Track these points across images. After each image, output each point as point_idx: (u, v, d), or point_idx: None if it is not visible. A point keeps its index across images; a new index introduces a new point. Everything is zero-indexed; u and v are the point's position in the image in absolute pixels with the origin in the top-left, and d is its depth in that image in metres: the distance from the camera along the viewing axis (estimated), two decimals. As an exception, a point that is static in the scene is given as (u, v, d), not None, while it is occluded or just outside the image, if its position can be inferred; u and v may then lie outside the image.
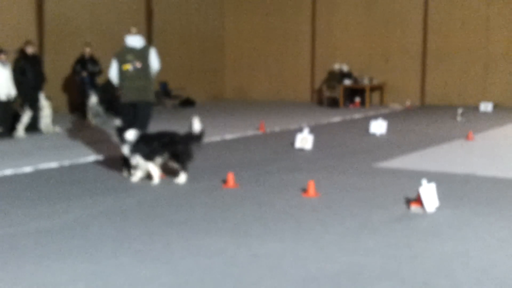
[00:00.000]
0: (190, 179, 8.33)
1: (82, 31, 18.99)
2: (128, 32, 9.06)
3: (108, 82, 17.84)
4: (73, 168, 9.31)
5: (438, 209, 6.52)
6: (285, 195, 7.34)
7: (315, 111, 19.54)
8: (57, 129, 13.91)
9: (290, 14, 23.90)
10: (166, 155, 8.10)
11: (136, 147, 8.07)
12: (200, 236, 5.60)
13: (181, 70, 22.66)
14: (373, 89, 22.12)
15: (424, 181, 6.45)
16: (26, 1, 17.11)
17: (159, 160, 8.13)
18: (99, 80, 17.07)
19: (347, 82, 21.31)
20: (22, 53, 13.66)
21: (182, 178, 8.10)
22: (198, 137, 8.20)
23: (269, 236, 5.61)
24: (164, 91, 21.51)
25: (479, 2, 20.73)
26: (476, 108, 19.63)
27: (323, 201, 7.04)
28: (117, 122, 8.38)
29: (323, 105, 21.79)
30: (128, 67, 8.71)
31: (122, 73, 8.76)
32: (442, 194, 6.87)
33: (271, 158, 10.20)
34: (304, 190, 7.43)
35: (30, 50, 13.66)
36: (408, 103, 21.27)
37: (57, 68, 17.61)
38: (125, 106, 8.81)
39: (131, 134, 8.14)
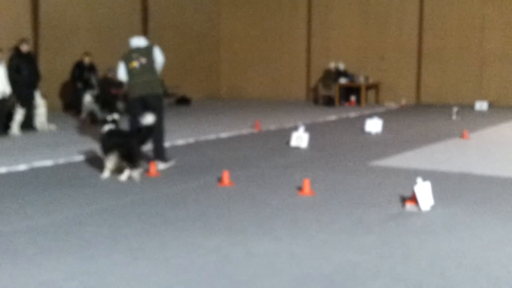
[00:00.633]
0: (185, 178, 8.34)
1: (77, 30, 18.97)
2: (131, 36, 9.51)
3: (103, 80, 17.94)
4: (68, 166, 9.29)
5: (433, 207, 6.53)
6: (281, 193, 7.34)
7: (311, 110, 19.56)
8: (52, 127, 13.88)
9: (286, 13, 23.90)
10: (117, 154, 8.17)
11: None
12: (195, 235, 5.59)
13: (176, 69, 22.62)
14: (368, 87, 22.14)
15: (419, 180, 6.45)
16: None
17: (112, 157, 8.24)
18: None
19: (343, 80, 21.33)
20: (16, 51, 13.62)
21: (124, 176, 8.12)
22: (143, 135, 8.28)
23: (264, 235, 5.61)
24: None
25: (474, 2, 20.77)
26: (471, 107, 19.67)
27: (318, 199, 7.05)
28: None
29: (318, 104, 21.81)
30: (134, 64, 9.06)
31: (129, 72, 9.10)
32: (437, 193, 6.88)
33: (267, 157, 10.20)
34: (300, 189, 7.43)
35: (24, 48, 13.62)
36: (403, 101, 21.30)
37: (52, 66, 17.58)
38: (133, 101, 9.10)
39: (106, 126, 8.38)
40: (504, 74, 20.54)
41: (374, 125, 13.42)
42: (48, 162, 9.46)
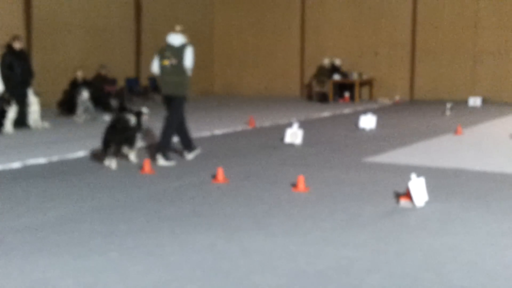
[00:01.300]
0: (179, 175, 8.33)
1: (70, 27, 18.92)
2: (173, 29, 9.74)
3: (98, 78, 17.90)
4: (62, 163, 9.27)
5: (427, 203, 6.54)
6: (275, 190, 7.34)
7: (305, 106, 19.57)
8: (46, 124, 13.84)
9: (279, 9, 23.90)
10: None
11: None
12: (190, 231, 5.59)
13: (170, 65, 22.58)
14: (362, 84, 22.17)
15: (413, 176, 6.46)
16: (14, -4, 17.01)
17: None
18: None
19: (337, 77, 21.34)
20: (9, 48, 13.56)
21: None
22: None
23: (259, 231, 5.61)
24: (153, 86, 21.45)
25: (467, -3, 20.81)
26: (465, 102, 19.71)
27: (312, 195, 7.05)
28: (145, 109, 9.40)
29: (312, 100, 21.82)
30: (166, 63, 9.39)
31: (161, 68, 9.47)
32: (431, 188, 6.90)
33: (261, 153, 10.20)
34: (294, 185, 7.43)
35: (17, 45, 13.56)
36: (397, 98, 21.34)
37: (45, 63, 17.52)
38: (163, 97, 9.58)
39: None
40: (497, 70, 20.60)
41: (368, 121, 13.44)
42: (41, 160, 9.43)
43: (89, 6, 19.54)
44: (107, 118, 15.35)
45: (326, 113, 17.02)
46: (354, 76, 21.44)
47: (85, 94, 15.25)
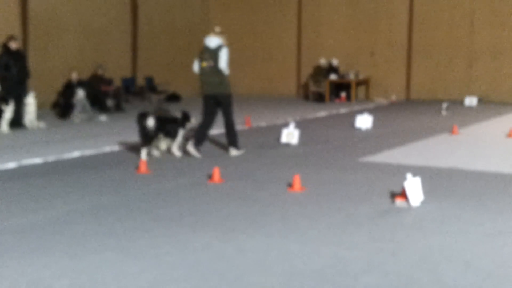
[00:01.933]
0: (175, 175, 8.33)
1: (67, 27, 18.89)
2: (212, 31, 10.34)
3: (94, 78, 17.87)
4: (57, 163, 9.26)
5: (423, 203, 6.56)
6: (271, 189, 7.34)
7: (301, 106, 19.58)
8: (42, 124, 13.82)
9: (276, 9, 23.90)
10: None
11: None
12: (186, 231, 5.59)
13: (166, 65, 22.59)
14: (358, 83, 22.18)
15: (409, 175, 6.47)
16: (10, -4, 16.98)
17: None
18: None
19: (333, 77, 21.35)
20: (5, 48, 13.54)
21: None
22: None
23: (255, 231, 5.61)
24: (150, 86, 21.45)
25: (463, -3, 20.85)
26: (461, 102, 19.74)
27: (308, 195, 7.06)
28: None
29: (309, 100, 21.83)
30: (205, 64, 9.99)
31: (200, 70, 10.08)
32: (427, 188, 6.91)
33: (257, 153, 10.20)
34: (290, 185, 7.44)
35: (13, 45, 13.55)
36: (393, 97, 21.36)
37: (41, 63, 17.49)
38: (205, 97, 10.11)
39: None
40: (493, 69, 20.63)
41: (364, 121, 13.46)
42: (37, 160, 9.42)
43: (86, 6, 19.52)
44: (103, 118, 15.36)
45: (322, 113, 17.03)
46: (351, 76, 21.45)
47: (80, 93, 15.20)
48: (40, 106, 14.51)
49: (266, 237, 5.42)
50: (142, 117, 9.53)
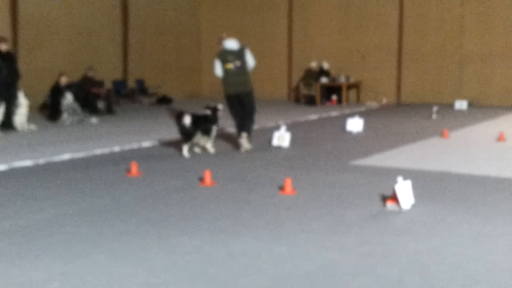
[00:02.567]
0: (166, 177, 8.32)
1: (57, 29, 18.84)
2: (221, 37, 11.10)
3: (84, 80, 17.82)
4: (48, 166, 9.23)
5: (414, 206, 6.58)
6: (262, 192, 7.35)
7: (292, 109, 19.60)
8: (32, 127, 13.77)
9: (266, 11, 23.92)
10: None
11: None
12: (176, 234, 5.58)
13: (157, 68, 22.58)
14: (349, 87, 22.24)
15: (399, 179, 6.49)
16: (0, -3, 16.92)
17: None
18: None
19: (324, 80, 21.40)
20: (-5, 50, 13.50)
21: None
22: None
23: (245, 234, 5.61)
24: (141, 89, 21.41)
25: (453, 2, 20.95)
26: (451, 106, 19.83)
27: (299, 198, 7.07)
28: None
29: (300, 103, 21.86)
30: (230, 66, 10.61)
31: (225, 71, 10.66)
32: (417, 192, 6.94)
33: (248, 156, 10.21)
34: (281, 188, 7.45)
35: (3, 46, 13.51)
36: (384, 101, 21.43)
37: (31, 65, 17.43)
38: (230, 97, 10.77)
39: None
40: (483, 73, 20.74)
41: (355, 124, 13.49)
42: (27, 162, 9.38)
43: (76, 8, 19.48)
44: (94, 120, 15.32)
45: (313, 116, 17.06)
46: (342, 79, 21.51)
47: (69, 97, 15.11)
48: (30, 108, 14.45)
49: (257, 240, 5.42)
50: (179, 116, 10.05)
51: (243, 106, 10.74)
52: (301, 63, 22.90)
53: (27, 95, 13.85)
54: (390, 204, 6.55)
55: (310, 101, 21.43)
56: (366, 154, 10.39)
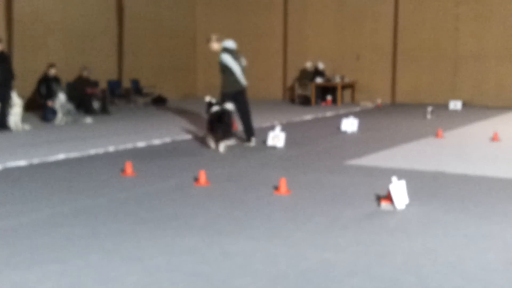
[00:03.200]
0: (161, 177, 8.31)
1: (52, 29, 18.81)
2: (210, 38, 11.67)
3: (78, 80, 17.79)
4: (42, 166, 9.20)
5: (408, 206, 6.59)
6: (257, 192, 7.34)
7: (287, 109, 19.61)
8: (26, 126, 13.74)
9: (262, 12, 23.93)
10: None
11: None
12: (171, 234, 5.57)
13: (152, 68, 22.56)
14: (344, 87, 22.27)
15: (394, 179, 6.50)
16: (-5, -2, 16.87)
17: None
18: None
19: (319, 80, 21.41)
20: (-11, 50, 13.45)
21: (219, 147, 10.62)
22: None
23: (240, 234, 5.61)
24: (136, 89, 21.38)
25: (448, 2, 21.00)
26: (445, 106, 19.87)
27: (294, 198, 7.07)
28: (229, 106, 10.84)
29: (295, 103, 21.87)
30: (240, 64, 11.21)
31: (241, 68, 11.24)
32: (412, 191, 6.95)
33: (243, 156, 10.20)
34: (276, 188, 7.45)
35: (-2, 47, 13.47)
36: (379, 101, 21.46)
37: (26, 65, 17.39)
38: (237, 94, 11.20)
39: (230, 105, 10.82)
40: (477, 73, 20.80)
41: (350, 125, 13.50)
42: (22, 162, 9.36)
43: (71, 8, 19.44)
44: (88, 120, 15.29)
45: (308, 116, 17.07)
46: (337, 80, 21.53)
47: (61, 97, 15.07)
48: (25, 108, 14.40)
49: (252, 240, 5.42)
50: (221, 116, 10.57)
51: (240, 104, 11.22)
52: (296, 63, 22.91)
53: (20, 96, 13.80)
54: (384, 204, 6.56)
55: (305, 101, 21.44)
56: (360, 154, 10.40)
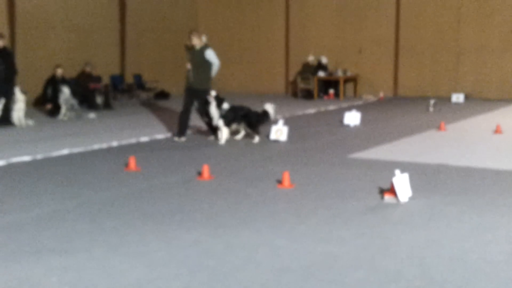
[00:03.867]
0: (165, 172, 8.33)
1: (54, 24, 18.79)
2: (196, 32, 11.95)
3: (81, 75, 17.79)
4: (46, 161, 9.23)
5: (411, 198, 6.60)
6: (260, 186, 7.36)
7: (290, 103, 19.60)
8: (30, 122, 13.76)
9: (264, 6, 23.88)
10: (242, 124, 11.16)
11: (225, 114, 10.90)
12: (175, 228, 5.60)
13: (155, 63, 22.53)
14: (347, 80, 22.23)
15: (397, 172, 6.51)
16: (-3, -6, 16.87)
17: (233, 126, 11.14)
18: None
19: (321, 74, 21.38)
20: (-8, 45, 13.46)
21: (256, 139, 11.00)
22: (264, 116, 11.32)
23: (244, 227, 5.63)
24: (138, 84, 21.38)
25: (450, -6, 20.94)
26: (448, 99, 19.84)
27: (297, 192, 7.08)
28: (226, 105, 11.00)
29: (297, 97, 21.85)
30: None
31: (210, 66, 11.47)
32: (415, 184, 6.96)
33: (246, 150, 10.22)
34: (279, 182, 7.46)
35: (0, 43, 13.46)
36: (381, 94, 21.42)
37: (29, 61, 17.39)
38: (207, 91, 11.23)
39: (226, 105, 10.95)
40: (479, 66, 20.75)
41: (352, 118, 13.50)
42: (26, 158, 9.38)
43: (73, 3, 19.42)
44: (92, 115, 15.31)
45: (311, 110, 17.07)
46: (339, 73, 21.50)
47: (66, 91, 15.07)
48: (28, 104, 14.42)
49: (255, 234, 5.44)
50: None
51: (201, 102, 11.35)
52: (298, 57, 22.88)
53: (23, 91, 13.81)
54: (388, 197, 6.57)
55: (308, 95, 21.42)
56: (363, 147, 10.40)
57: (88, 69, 18.09)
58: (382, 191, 6.88)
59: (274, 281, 4.31)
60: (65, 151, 10.00)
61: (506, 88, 20.36)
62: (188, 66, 11.49)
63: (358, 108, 15.92)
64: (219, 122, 10.89)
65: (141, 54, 22.05)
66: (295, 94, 22.58)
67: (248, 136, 11.32)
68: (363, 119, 13.71)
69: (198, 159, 9.14)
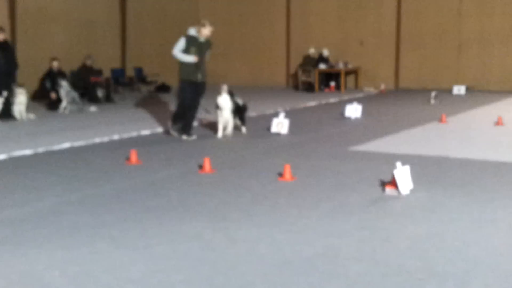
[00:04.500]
0: (166, 165, 8.34)
1: (55, 17, 18.77)
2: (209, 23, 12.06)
3: (82, 68, 17.79)
4: (47, 155, 9.23)
5: (412, 191, 6.60)
6: (261, 179, 7.36)
7: (291, 96, 19.59)
8: (31, 116, 13.76)
9: (265, -1, 23.84)
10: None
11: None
12: (177, 222, 5.60)
13: (156, 56, 22.51)
14: (348, 73, 22.22)
15: (398, 164, 6.51)
16: (-3, -13, 16.84)
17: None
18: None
19: (322, 66, 21.36)
20: (-8, 39, 13.44)
21: (244, 130, 11.29)
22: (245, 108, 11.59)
23: (246, 221, 5.64)
24: (139, 77, 21.38)
25: (452, -14, 20.88)
26: (449, 91, 19.82)
27: (299, 185, 7.08)
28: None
29: (298, 90, 21.83)
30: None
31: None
32: (416, 177, 6.95)
33: (247, 143, 10.22)
34: (280, 174, 7.46)
35: (1, 36, 13.44)
36: (382, 87, 21.41)
37: (29, 55, 17.38)
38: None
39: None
40: (481, 58, 20.71)
41: (353, 110, 13.49)
42: (27, 151, 9.38)
43: (74, -3, 19.40)
44: (93, 109, 15.31)
45: (312, 103, 17.05)
46: (340, 66, 21.47)
47: (64, 85, 15.03)
48: (28, 97, 14.41)
49: (257, 227, 5.44)
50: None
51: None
52: (300, 50, 22.84)
53: (23, 85, 13.80)
54: (389, 189, 6.57)
55: (309, 87, 21.41)
56: (364, 140, 10.40)
57: (89, 62, 18.08)
58: (383, 184, 6.88)
59: (275, 274, 4.32)
60: (66, 145, 10.01)
61: (507, 80, 20.33)
62: (195, 58, 11.05)
63: (359, 100, 15.90)
64: (230, 115, 10.95)
65: (142, 47, 22.03)
66: (296, 87, 22.56)
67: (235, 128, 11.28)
68: (364, 112, 13.71)
69: (199, 152, 9.14)
